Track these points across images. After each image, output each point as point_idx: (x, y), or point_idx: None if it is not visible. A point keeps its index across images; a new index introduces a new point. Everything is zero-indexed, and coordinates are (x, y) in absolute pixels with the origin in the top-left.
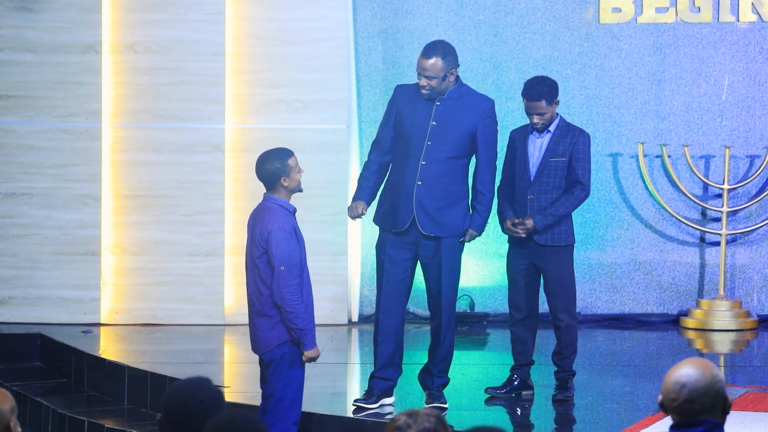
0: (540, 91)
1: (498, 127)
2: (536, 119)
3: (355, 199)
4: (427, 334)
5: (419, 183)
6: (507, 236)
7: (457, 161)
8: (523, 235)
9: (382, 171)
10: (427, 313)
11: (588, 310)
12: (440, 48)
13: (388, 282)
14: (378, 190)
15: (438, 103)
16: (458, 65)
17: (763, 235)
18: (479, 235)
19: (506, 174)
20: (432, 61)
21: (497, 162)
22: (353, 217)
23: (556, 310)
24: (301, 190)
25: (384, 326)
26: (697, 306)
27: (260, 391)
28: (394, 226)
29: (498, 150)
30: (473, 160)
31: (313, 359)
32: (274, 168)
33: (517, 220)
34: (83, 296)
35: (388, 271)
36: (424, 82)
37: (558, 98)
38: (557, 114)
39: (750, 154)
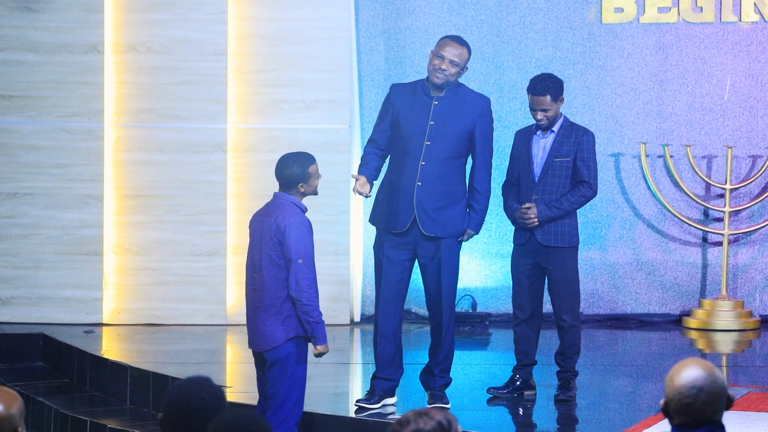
0: (546, 86)
1: (494, 125)
2: (540, 115)
3: (360, 173)
4: (429, 334)
5: (419, 184)
6: (511, 236)
7: (455, 161)
8: (536, 222)
9: (381, 160)
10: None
11: (590, 310)
12: (465, 42)
13: (386, 283)
14: (379, 173)
15: (436, 102)
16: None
17: (766, 235)
18: (477, 233)
19: (510, 174)
20: (462, 47)
21: (494, 160)
22: (358, 191)
23: (560, 311)
24: (316, 194)
25: (383, 327)
26: (699, 306)
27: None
28: (394, 227)
29: (494, 149)
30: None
31: (323, 354)
32: (294, 173)
33: (523, 207)
34: (85, 296)
35: (387, 272)
36: (445, 65)
37: (563, 96)
38: (561, 114)
39: (752, 154)
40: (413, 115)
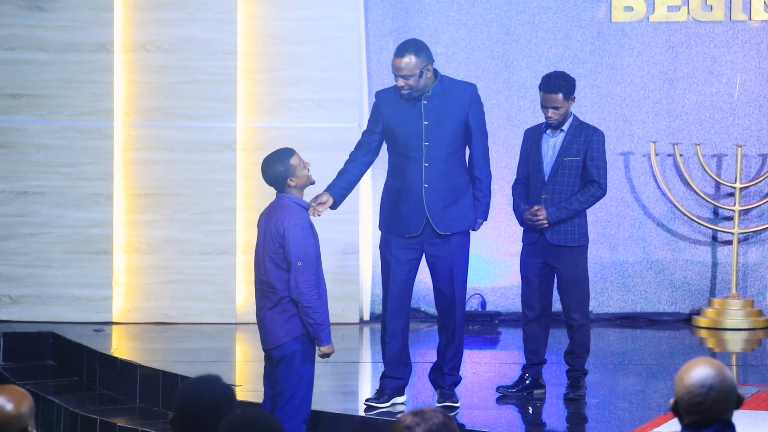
0: (558, 84)
1: (503, 124)
2: (551, 113)
3: (328, 189)
4: (437, 333)
5: (426, 186)
6: (521, 235)
7: (455, 155)
8: (545, 223)
9: (362, 168)
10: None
11: (600, 309)
12: (412, 45)
13: (395, 282)
14: (353, 187)
15: (425, 102)
16: (433, 60)
17: None
18: (486, 220)
19: (521, 173)
20: (405, 59)
21: (504, 159)
22: (313, 213)
23: (569, 310)
24: (313, 183)
25: (392, 326)
26: (709, 305)
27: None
28: (407, 231)
29: (504, 147)
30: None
31: (328, 355)
32: (278, 172)
33: (533, 209)
34: (95, 295)
35: (395, 272)
36: (401, 82)
37: (574, 95)
38: (571, 113)
39: (762, 153)
40: (405, 119)
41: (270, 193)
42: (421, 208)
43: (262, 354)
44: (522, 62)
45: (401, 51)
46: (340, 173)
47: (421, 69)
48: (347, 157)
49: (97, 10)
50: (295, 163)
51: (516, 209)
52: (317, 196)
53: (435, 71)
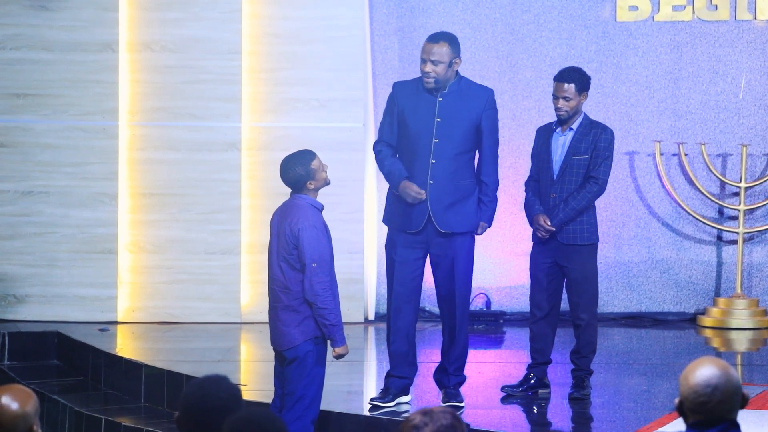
0: (572, 75)
1: (509, 123)
2: (561, 103)
3: (403, 178)
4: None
5: (431, 182)
6: (526, 235)
7: (464, 155)
8: (546, 235)
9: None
10: None
11: (605, 309)
12: (447, 35)
13: (399, 281)
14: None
15: (440, 99)
16: (460, 57)
17: None
18: (489, 226)
19: (533, 170)
20: (439, 45)
21: (512, 158)
22: (419, 198)
23: (578, 309)
24: (328, 183)
25: (396, 325)
26: (714, 304)
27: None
28: (409, 227)
29: (511, 147)
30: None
31: (342, 356)
32: (298, 175)
33: (542, 219)
34: (100, 294)
35: (400, 271)
36: (429, 68)
37: (587, 92)
38: (582, 112)
39: (767, 152)
40: (419, 114)
41: (275, 193)
42: (424, 204)
43: (267, 353)
44: (527, 62)
45: (436, 37)
46: (391, 157)
47: (451, 59)
48: (378, 149)
49: (102, 10)
50: (315, 167)
51: (528, 206)
52: (415, 188)
53: (457, 71)
